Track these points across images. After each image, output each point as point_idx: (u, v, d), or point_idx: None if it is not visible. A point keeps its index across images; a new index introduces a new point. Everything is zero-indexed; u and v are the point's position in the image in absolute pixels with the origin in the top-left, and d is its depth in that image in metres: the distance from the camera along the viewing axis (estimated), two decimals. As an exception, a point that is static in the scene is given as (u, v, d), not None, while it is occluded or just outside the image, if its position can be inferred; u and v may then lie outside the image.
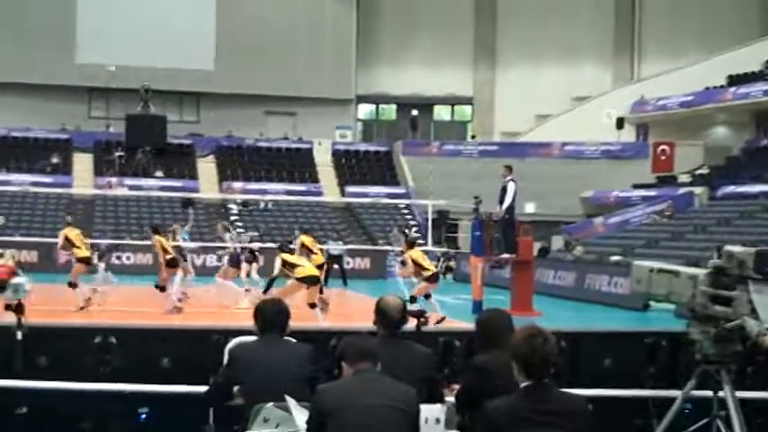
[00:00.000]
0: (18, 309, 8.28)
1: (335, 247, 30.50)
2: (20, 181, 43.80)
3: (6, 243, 35.46)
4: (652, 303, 23.29)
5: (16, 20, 50.63)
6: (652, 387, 9.13)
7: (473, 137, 54.67)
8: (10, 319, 8.30)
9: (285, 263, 19.45)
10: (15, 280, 8.37)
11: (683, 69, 50.53)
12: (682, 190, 41.97)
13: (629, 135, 51.29)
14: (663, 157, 45.98)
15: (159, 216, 42.71)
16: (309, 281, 19.28)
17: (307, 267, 19.60)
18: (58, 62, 50.69)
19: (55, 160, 47.25)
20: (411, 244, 21.28)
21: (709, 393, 7.50)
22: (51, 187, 43.30)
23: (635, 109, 51.58)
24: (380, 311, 6.76)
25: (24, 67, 50.17)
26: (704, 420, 7.78)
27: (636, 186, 45.70)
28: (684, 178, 44.95)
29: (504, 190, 23.00)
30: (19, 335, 8.17)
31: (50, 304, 20.81)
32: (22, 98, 50.69)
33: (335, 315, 21.28)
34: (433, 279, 20.70)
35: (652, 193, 43.58)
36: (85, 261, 22.87)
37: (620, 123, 50.11)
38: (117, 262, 36.02)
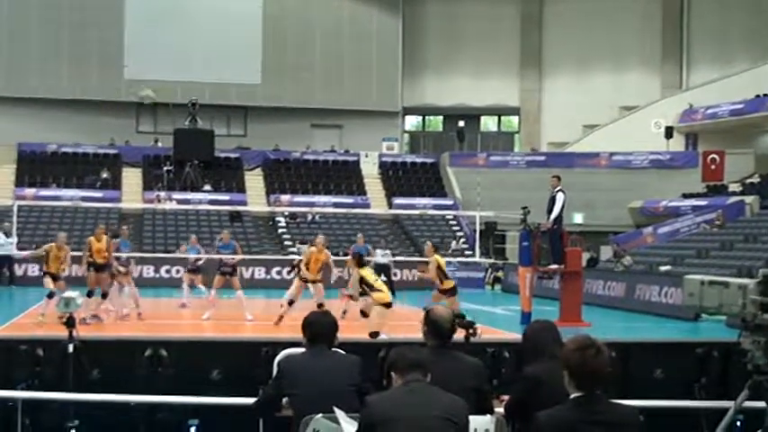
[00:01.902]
0: (69, 322, 8.35)
1: (383, 255, 30.32)
2: (70, 196, 44.22)
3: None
4: (703, 314, 23.05)
5: (65, 38, 51.32)
6: (703, 398, 9.04)
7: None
8: (62, 332, 8.38)
9: (362, 281, 17.66)
10: (67, 293, 8.41)
11: (733, 77, 50.11)
12: (732, 199, 41.54)
13: (678, 144, 50.90)
14: (713, 166, 45.54)
15: (207, 229, 42.99)
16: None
17: (385, 294, 17.59)
18: (106, 78, 51.36)
19: (104, 175, 47.68)
20: (436, 248, 20.59)
21: (762, 404, 7.40)
22: (101, 202, 43.64)
23: (684, 118, 51.19)
24: (431, 322, 6.74)
25: (73, 84, 50.93)
26: (757, 432, 7.69)
27: (685, 196, 45.33)
28: (735, 187, 44.51)
29: (552, 200, 22.87)
30: (71, 348, 8.24)
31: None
32: (71, 114, 51.33)
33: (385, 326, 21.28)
34: (451, 293, 19.97)
35: (702, 202, 43.18)
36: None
37: (668, 132, 49.74)
38: (166, 276, 36.39)
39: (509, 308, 26.69)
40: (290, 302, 21.94)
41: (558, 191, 22.85)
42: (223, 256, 24.28)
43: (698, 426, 8.71)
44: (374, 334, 16.88)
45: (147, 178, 48.55)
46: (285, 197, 47.62)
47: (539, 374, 6.43)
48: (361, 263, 18.09)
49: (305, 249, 25.81)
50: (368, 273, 17.88)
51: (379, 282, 17.85)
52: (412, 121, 59.87)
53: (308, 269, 22.75)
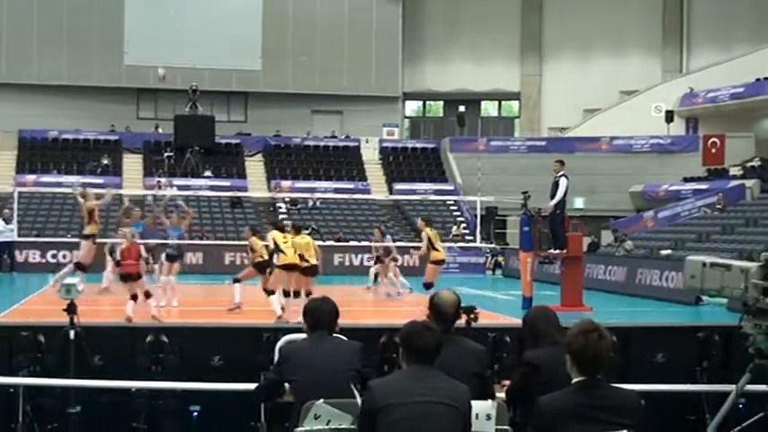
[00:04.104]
0: (71, 309, 8.34)
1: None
2: (71, 182, 44.23)
3: (59, 244, 35.97)
4: (704, 298, 23.06)
5: (66, 24, 51.24)
6: (705, 382, 9.04)
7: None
8: (63, 319, 8.38)
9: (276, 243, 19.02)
10: (68, 280, 8.41)
11: (734, 61, 50.02)
12: (733, 183, 41.56)
13: (678, 128, 50.86)
14: (713, 150, 45.53)
15: (208, 215, 43.00)
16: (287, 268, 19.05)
17: (287, 256, 19.03)
18: (106, 64, 51.28)
19: (105, 161, 47.69)
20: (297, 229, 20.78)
21: (764, 388, 7.40)
22: (102, 188, 43.57)
23: (684, 102, 51.13)
24: (435, 307, 6.72)
25: (74, 70, 50.83)
26: (759, 415, 7.69)
27: (686, 180, 45.33)
28: (736, 171, 44.53)
29: (555, 185, 22.80)
30: (72, 334, 8.24)
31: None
32: (72, 100, 51.27)
33: (386, 312, 21.37)
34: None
35: (703, 186, 43.19)
36: None
37: (669, 116, 49.69)
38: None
39: (510, 293, 26.70)
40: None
41: (560, 175, 22.79)
42: (170, 241, 24.04)
43: (699, 410, 8.72)
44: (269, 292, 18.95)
45: (148, 164, 48.56)
46: (286, 183, 47.64)
47: (539, 360, 6.44)
48: (277, 227, 19.79)
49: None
50: (278, 235, 19.15)
51: (287, 244, 19.05)
52: (412, 107, 59.79)
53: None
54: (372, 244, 28.54)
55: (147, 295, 19.19)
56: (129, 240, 19.42)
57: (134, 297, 18.68)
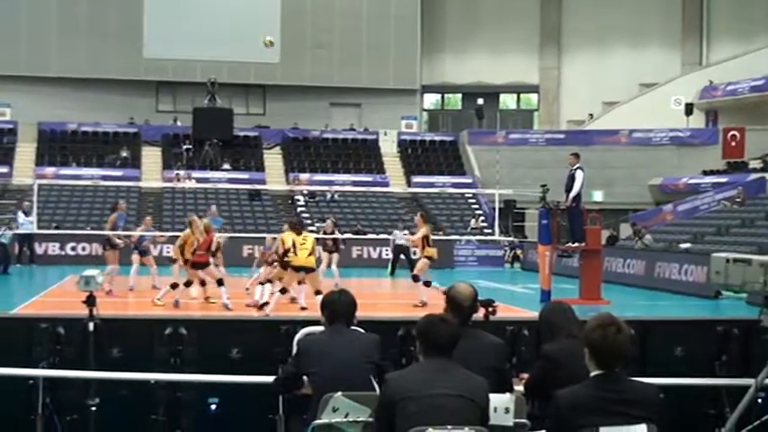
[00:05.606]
0: (90, 301, 8.36)
1: (401, 237, 30.35)
2: (90, 174, 44.45)
3: (78, 236, 36.08)
4: (724, 292, 22.97)
5: (84, 17, 51.35)
6: (724, 376, 9.01)
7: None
8: (82, 311, 8.40)
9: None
10: (87, 272, 8.42)
11: (754, 53, 49.78)
12: (753, 176, 41.32)
13: (698, 121, 50.65)
14: (733, 143, 45.33)
15: (227, 208, 43.03)
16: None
17: (297, 257, 19.00)
18: (125, 57, 51.34)
19: (124, 154, 47.83)
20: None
21: (784, 382, 7.37)
22: (121, 180, 43.79)
23: (704, 94, 50.92)
24: (452, 300, 6.70)
25: (93, 63, 50.94)
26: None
27: (706, 173, 45.14)
28: (755, 164, 44.26)
29: (571, 178, 22.73)
30: (91, 326, 8.26)
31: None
32: (91, 93, 51.41)
33: (404, 305, 21.37)
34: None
35: (722, 179, 43.00)
36: None
37: (688, 109, 49.48)
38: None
39: (528, 286, 26.65)
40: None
41: (576, 168, 22.72)
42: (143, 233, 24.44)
43: (719, 403, 8.69)
44: (282, 290, 19.09)
45: (167, 157, 48.67)
46: (304, 176, 47.65)
47: (557, 353, 6.43)
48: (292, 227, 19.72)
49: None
50: (297, 237, 19.17)
51: (305, 245, 19.04)
52: (431, 100, 59.75)
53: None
54: (321, 235, 27.95)
55: (220, 282, 20.15)
56: (207, 231, 20.64)
57: (174, 285, 20.23)
